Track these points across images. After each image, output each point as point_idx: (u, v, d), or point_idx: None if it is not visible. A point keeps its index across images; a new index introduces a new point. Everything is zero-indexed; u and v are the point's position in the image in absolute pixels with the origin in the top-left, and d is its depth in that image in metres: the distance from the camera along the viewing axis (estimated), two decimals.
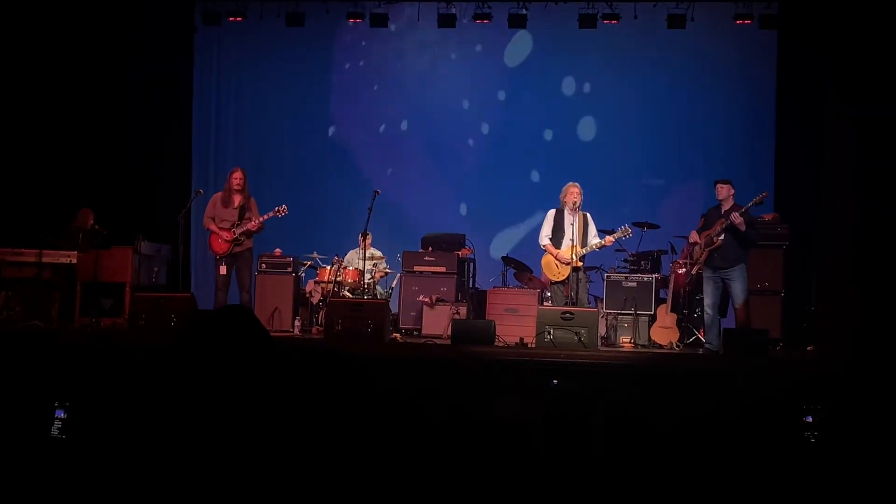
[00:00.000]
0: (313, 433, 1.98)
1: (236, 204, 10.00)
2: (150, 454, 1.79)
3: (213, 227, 9.95)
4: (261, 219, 9.99)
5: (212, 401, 1.82)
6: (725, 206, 9.17)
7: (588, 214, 9.86)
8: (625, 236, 9.81)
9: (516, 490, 2.86)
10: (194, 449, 1.79)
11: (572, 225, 9.60)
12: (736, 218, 8.89)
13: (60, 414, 3.62)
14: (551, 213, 9.90)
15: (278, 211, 10.06)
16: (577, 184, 9.82)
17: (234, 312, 1.99)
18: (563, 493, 2.80)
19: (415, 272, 11.02)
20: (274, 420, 1.88)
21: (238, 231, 9.88)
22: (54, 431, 3.57)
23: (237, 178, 10.02)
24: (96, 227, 10.74)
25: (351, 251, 11.40)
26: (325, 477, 2.00)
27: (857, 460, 3.02)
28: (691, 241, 9.46)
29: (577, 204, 9.68)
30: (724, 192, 9.19)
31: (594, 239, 9.78)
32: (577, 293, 9.62)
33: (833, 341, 8.37)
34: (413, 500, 2.55)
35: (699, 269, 9.46)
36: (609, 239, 9.75)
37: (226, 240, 9.87)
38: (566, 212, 9.74)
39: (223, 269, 9.87)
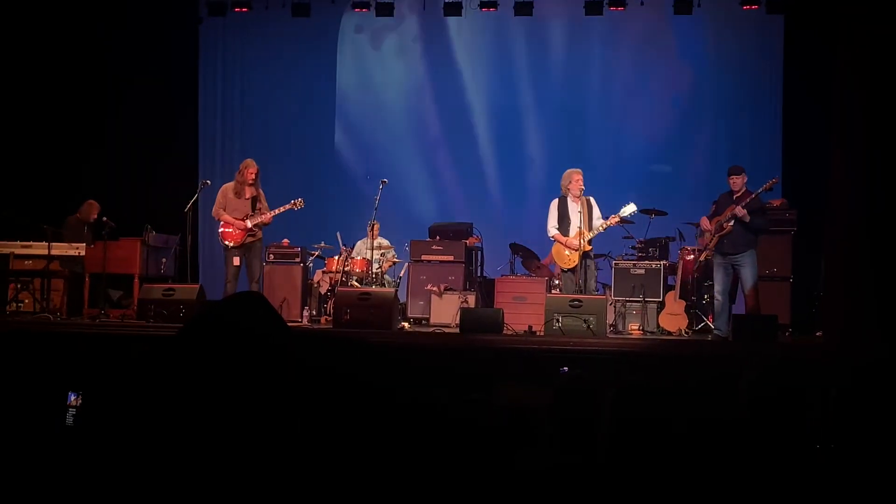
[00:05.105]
0: (331, 424, 1.98)
1: (248, 195, 9.99)
2: (158, 449, 1.79)
3: (226, 218, 9.93)
4: (274, 212, 10.01)
5: (223, 393, 1.82)
6: (738, 193, 9.14)
7: (591, 198, 9.84)
8: (631, 214, 9.79)
9: (521, 479, 2.85)
10: (205, 443, 1.79)
11: (579, 212, 9.59)
12: (739, 211, 8.88)
13: (71, 399, 3.62)
14: (554, 202, 9.88)
15: (294, 204, 10.07)
16: (578, 169, 9.81)
17: (248, 299, 1.98)
18: (569, 479, 2.80)
19: (422, 261, 11.01)
20: (291, 412, 1.88)
21: (252, 223, 9.89)
22: (69, 420, 3.57)
23: (253, 172, 9.99)
24: (104, 219, 10.77)
25: (359, 241, 11.41)
26: (335, 466, 2.00)
27: (865, 449, 3.02)
28: (702, 227, 9.44)
29: (582, 190, 9.67)
30: (738, 182, 9.15)
31: (598, 221, 9.76)
32: (585, 280, 9.61)
33: (841, 328, 8.35)
34: (419, 491, 2.55)
35: (708, 255, 9.45)
36: (614, 218, 9.69)
37: (240, 230, 9.88)
38: (569, 199, 9.72)
39: (237, 260, 9.87)
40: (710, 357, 7.68)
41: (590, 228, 9.63)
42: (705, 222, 9.31)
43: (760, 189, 9.05)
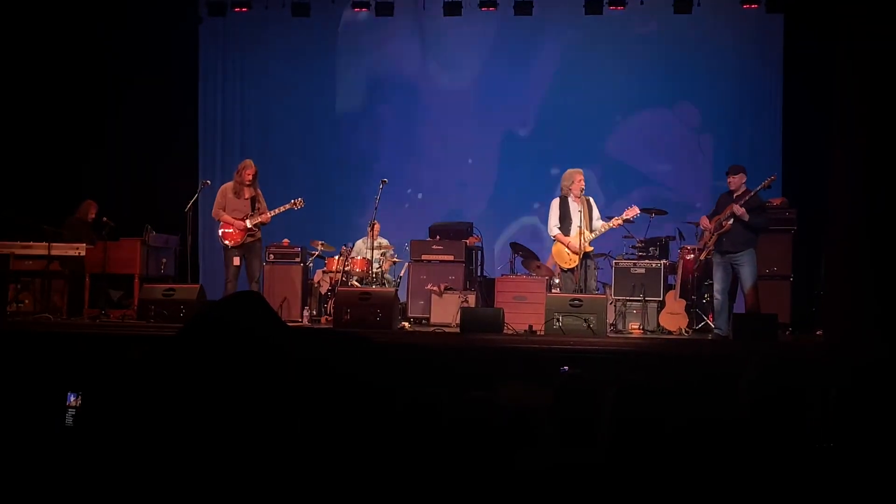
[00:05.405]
0: (331, 423, 1.98)
1: (247, 195, 10.04)
2: (158, 449, 1.78)
3: (226, 218, 9.97)
4: (273, 212, 10.06)
5: (222, 392, 1.82)
6: (737, 192, 9.15)
7: (591, 199, 9.85)
8: (633, 216, 9.78)
9: (521, 479, 2.85)
10: (205, 443, 1.79)
11: (580, 212, 9.58)
12: (738, 210, 8.89)
13: (71, 399, 3.62)
14: (555, 202, 9.87)
15: (294, 203, 10.12)
16: (580, 170, 9.82)
17: (246, 298, 1.98)
18: (569, 479, 2.79)
19: (423, 261, 11.01)
20: (290, 411, 1.88)
21: (252, 222, 9.94)
22: (68, 420, 3.57)
23: (250, 172, 10.04)
24: (104, 219, 10.78)
25: (359, 240, 11.41)
26: (335, 466, 1.99)
27: (865, 449, 3.01)
28: (702, 226, 9.44)
29: (583, 190, 9.68)
30: (735, 182, 9.16)
31: (598, 222, 9.77)
32: (585, 280, 9.61)
33: (841, 327, 8.35)
34: (419, 490, 2.55)
35: (708, 254, 9.45)
36: (616, 220, 9.72)
37: (240, 230, 9.92)
38: (570, 199, 9.72)
39: (237, 260, 9.92)
40: (710, 356, 7.68)
41: (590, 229, 9.63)
42: (705, 221, 9.32)
43: (759, 187, 9.05)
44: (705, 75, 12.63)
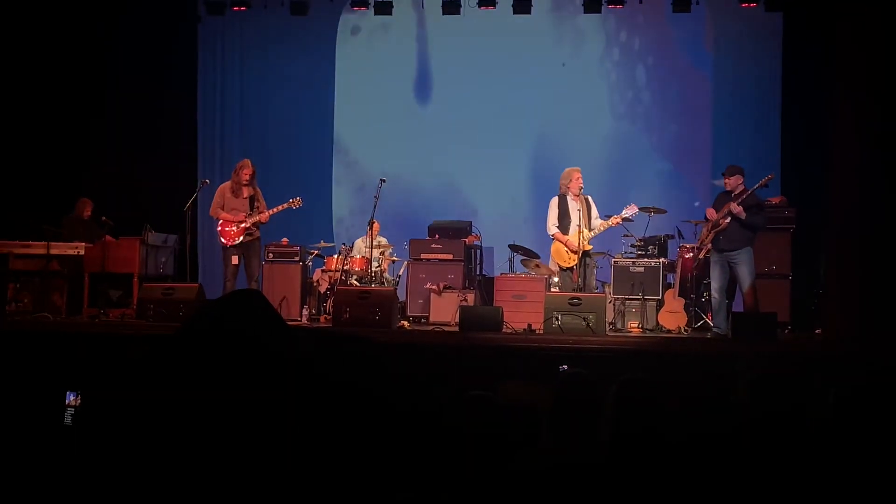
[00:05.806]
0: (331, 422, 1.97)
1: (245, 195, 10.05)
2: (156, 448, 1.78)
3: (225, 216, 9.98)
4: (271, 211, 10.06)
5: (221, 391, 1.82)
6: (735, 192, 9.12)
7: (590, 197, 9.84)
8: (632, 215, 9.76)
9: (521, 479, 2.84)
10: (203, 442, 1.79)
11: (578, 210, 9.56)
12: (735, 208, 8.87)
13: (70, 398, 3.62)
14: (554, 200, 9.85)
15: (293, 203, 10.14)
16: (578, 168, 9.81)
17: (246, 297, 1.98)
18: (569, 479, 2.79)
19: (422, 260, 11.01)
20: (289, 409, 1.88)
21: (251, 221, 9.94)
22: (67, 419, 3.57)
23: (248, 172, 10.05)
24: (103, 218, 10.78)
25: (358, 239, 11.41)
26: (335, 464, 1.99)
27: (866, 448, 3.01)
28: (708, 217, 9.38)
29: (582, 188, 9.67)
30: (731, 183, 9.13)
31: (597, 220, 9.76)
32: (584, 279, 9.59)
33: (841, 326, 8.36)
34: (419, 490, 2.55)
35: (706, 252, 9.45)
36: (615, 219, 9.70)
37: (239, 224, 9.93)
38: (569, 198, 9.70)
39: (235, 259, 9.93)
40: (709, 355, 7.68)
41: (589, 227, 9.62)
42: (711, 213, 9.24)
43: (756, 185, 9.03)
44: (704, 73, 12.62)
